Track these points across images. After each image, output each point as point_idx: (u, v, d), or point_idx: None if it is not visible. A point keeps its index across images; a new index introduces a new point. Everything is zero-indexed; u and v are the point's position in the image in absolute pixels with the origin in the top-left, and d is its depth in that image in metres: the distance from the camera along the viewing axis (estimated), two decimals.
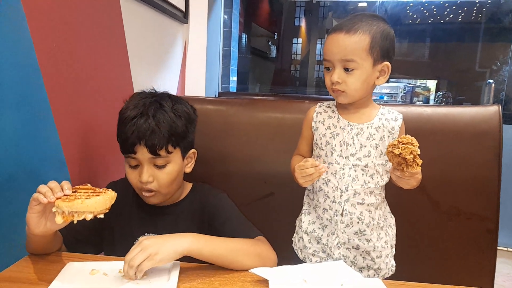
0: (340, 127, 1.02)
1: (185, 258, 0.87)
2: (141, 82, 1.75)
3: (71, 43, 1.21)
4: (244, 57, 5.62)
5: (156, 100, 0.98)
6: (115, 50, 1.55)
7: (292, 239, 1.12)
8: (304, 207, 1.10)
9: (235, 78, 4.62)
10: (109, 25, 1.48)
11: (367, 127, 1.01)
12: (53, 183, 0.79)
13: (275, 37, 6.99)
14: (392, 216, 1.08)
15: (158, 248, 0.78)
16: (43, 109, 1.10)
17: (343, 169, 0.99)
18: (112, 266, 0.85)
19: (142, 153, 0.94)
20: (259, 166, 1.30)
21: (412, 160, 0.84)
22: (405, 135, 0.87)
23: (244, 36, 5.63)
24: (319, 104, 1.09)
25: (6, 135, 0.96)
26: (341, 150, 1.00)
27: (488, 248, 1.20)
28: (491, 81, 3.40)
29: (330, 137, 1.02)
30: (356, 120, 1.02)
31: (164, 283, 0.78)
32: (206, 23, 2.83)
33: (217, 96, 3.65)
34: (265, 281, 0.79)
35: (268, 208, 1.29)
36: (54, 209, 0.77)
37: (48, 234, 0.84)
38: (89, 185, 0.84)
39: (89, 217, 0.76)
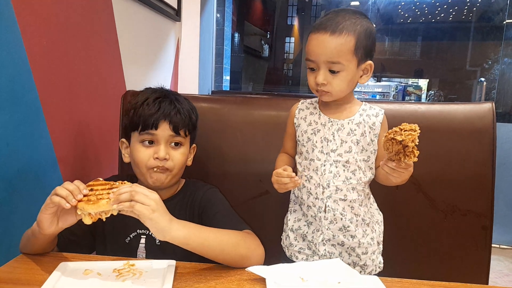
0: (321, 123, 1.02)
1: (181, 258, 0.87)
2: (134, 80, 1.74)
3: (62, 42, 1.19)
4: (237, 56, 5.61)
5: (170, 92, 1.04)
6: (107, 48, 1.53)
7: (281, 237, 1.12)
8: (290, 205, 1.11)
9: (228, 77, 4.61)
10: (101, 23, 1.47)
11: (348, 122, 1.01)
12: (71, 185, 0.79)
13: (268, 36, 6.98)
14: (380, 213, 1.08)
15: (159, 214, 0.78)
16: (34, 109, 1.08)
17: (324, 165, 0.99)
18: (106, 266, 0.84)
19: (164, 129, 0.96)
20: (254, 165, 1.29)
21: (410, 150, 0.81)
22: (407, 124, 0.83)
23: (236, 34, 5.62)
24: (301, 100, 1.10)
25: None
26: (322, 146, 1.00)
27: (483, 244, 1.21)
28: (482, 79, 3.43)
29: (311, 134, 1.03)
30: (337, 116, 1.02)
31: (160, 283, 0.77)
32: (199, 21, 2.81)
33: (210, 95, 3.63)
34: (262, 280, 0.79)
35: (263, 207, 1.28)
36: (79, 212, 0.78)
37: (57, 233, 0.84)
38: (101, 179, 0.85)
39: (115, 212, 0.78)
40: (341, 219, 0.99)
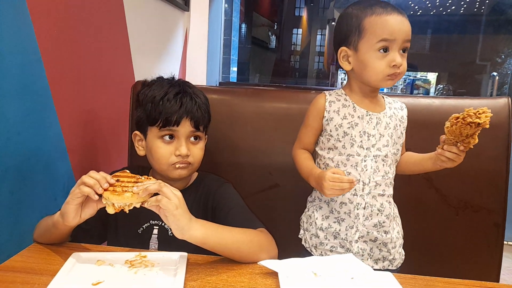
0: (358, 117, 0.98)
1: (192, 249, 0.86)
2: (142, 70, 1.73)
3: (72, 30, 1.19)
4: (244, 47, 5.57)
5: (185, 84, 1.04)
6: (116, 38, 1.52)
7: (299, 236, 1.08)
8: (314, 202, 1.06)
9: (235, 69, 4.58)
10: (110, 12, 1.45)
11: (383, 116, 0.99)
12: (97, 174, 0.79)
13: (275, 27, 6.92)
14: (395, 205, 1.06)
15: (183, 212, 0.77)
16: (44, 98, 1.08)
17: (365, 160, 0.96)
18: (118, 257, 0.83)
19: (185, 126, 0.96)
20: (264, 157, 1.28)
21: (476, 133, 0.84)
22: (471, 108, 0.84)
23: (244, 25, 5.57)
24: (328, 92, 1.04)
25: (8, 124, 0.95)
26: (362, 141, 0.97)
27: (495, 242, 1.19)
28: (495, 73, 3.37)
29: (348, 128, 0.98)
30: (372, 109, 1.00)
31: (172, 275, 0.77)
32: (207, 11, 2.79)
33: (218, 86, 3.61)
34: (274, 274, 0.78)
35: (273, 200, 1.27)
36: (104, 201, 0.78)
37: (78, 224, 0.83)
38: (127, 171, 0.84)
39: (138, 205, 0.78)
40: (377, 214, 0.97)
